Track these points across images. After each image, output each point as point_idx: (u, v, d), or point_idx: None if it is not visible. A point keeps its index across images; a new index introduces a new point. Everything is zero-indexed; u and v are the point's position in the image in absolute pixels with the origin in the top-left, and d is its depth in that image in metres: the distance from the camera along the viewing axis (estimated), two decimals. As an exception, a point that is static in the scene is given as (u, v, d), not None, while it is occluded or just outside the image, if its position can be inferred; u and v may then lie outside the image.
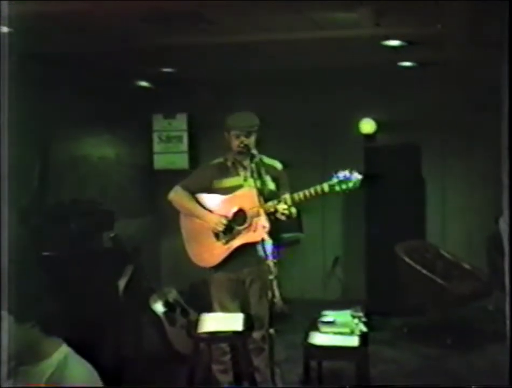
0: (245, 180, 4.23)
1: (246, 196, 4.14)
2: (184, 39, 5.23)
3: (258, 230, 3.94)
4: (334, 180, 3.80)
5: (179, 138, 7.78)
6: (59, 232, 5.31)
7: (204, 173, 4.45)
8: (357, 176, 3.78)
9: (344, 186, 3.79)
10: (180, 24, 4.79)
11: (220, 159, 4.39)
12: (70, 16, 4.42)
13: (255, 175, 3.90)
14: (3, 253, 2.11)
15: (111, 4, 4.16)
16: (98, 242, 5.66)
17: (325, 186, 3.82)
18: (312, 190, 3.87)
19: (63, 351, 2.22)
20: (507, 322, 3.84)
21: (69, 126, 6.24)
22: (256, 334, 4.16)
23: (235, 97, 6.72)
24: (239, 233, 4.18)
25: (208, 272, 4.38)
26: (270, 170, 4.22)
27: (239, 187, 4.25)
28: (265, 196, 3.92)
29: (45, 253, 5.06)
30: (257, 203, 3.87)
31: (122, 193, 7.17)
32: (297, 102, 7.35)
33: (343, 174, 3.80)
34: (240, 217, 4.18)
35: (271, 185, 4.17)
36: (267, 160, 4.25)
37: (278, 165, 4.36)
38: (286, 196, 3.96)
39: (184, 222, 4.43)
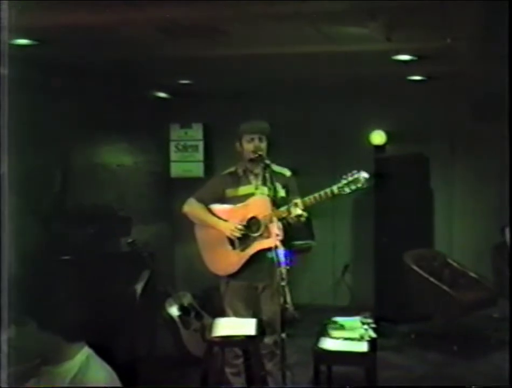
0: (257, 188, 4.33)
1: (258, 203, 4.23)
2: (200, 50, 5.29)
3: (272, 237, 4.05)
4: (343, 181, 3.87)
5: (195, 147, 7.90)
6: (78, 237, 5.43)
7: (216, 183, 4.54)
8: (364, 175, 3.85)
9: (353, 187, 3.85)
10: (196, 36, 4.88)
11: (231, 169, 4.47)
12: (90, 27, 4.50)
13: (267, 183, 3.99)
14: (3, 257, 2.16)
15: (129, 15, 4.27)
16: (116, 247, 5.76)
17: (335, 188, 3.89)
18: (322, 193, 3.93)
19: (85, 352, 2.25)
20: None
21: (89, 135, 6.34)
22: (268, 340, 4.21)
23: (249, 107, 6.82)
24: (254, 240, 4.25)
25: (221, 280, 4.44)
26: (280, 177, 4.27)
27: (251, 195, 4.33)
28: (277, 203, 3.98)
29: (65, 257, 5.18)
30: (270, 210, 3.95)
31: (139, 199, 7.27)
32: (309, 114, 7.42)
33: (350, 174, 3.88)
34: (254, 225, 4.26)
35: (281, 192, 4.21)
36: (276, 168, 4.26)
37: (287, 172, 4.43)
38: (298, 200, 4.02)
39: (199, 233, 4.49)
